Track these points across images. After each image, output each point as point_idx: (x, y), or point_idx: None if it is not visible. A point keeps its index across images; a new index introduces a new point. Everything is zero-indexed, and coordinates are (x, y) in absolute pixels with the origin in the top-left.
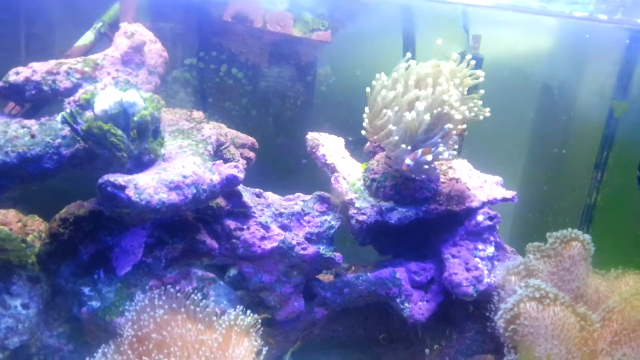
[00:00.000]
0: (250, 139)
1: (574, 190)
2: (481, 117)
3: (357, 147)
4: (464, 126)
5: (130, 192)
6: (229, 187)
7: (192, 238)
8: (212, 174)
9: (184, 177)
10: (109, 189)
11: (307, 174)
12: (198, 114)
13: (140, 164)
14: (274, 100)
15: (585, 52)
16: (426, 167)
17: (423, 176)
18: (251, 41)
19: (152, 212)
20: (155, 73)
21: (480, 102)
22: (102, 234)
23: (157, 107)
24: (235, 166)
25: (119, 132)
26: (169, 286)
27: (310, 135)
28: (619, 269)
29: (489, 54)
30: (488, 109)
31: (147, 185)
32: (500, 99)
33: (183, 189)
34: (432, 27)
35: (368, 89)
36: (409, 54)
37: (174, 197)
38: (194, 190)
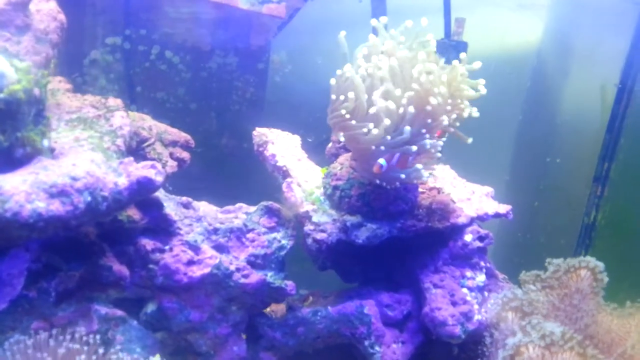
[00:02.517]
0: (183, 136)
1: (570, 206)
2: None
3: (319, 150)
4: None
5: None
6: (141, 194)
7: (94, 263)
8: (118, 175)
9: (74, 179)
10: None
11: (260, 181)
12: (115, 102)
13: (10, 160)
14: (217, 91)
15: (584, 39)
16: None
17: (397, 184)
18: (190, 18)
19: (23, 229)
20: (46, 41)
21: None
22: None
23: (38, 83)
24: (152, 166)
25: None
26: (59, 329)
27: (258, 131)
28: (636, 304)
29: (473, 43)
30: (476, 109)
31: (16, 190)
32: (483, 96)
33: (71, 195)
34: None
35: (339, 71)
36: (383, 19)
37: (57, 206)
38: (88, 198)
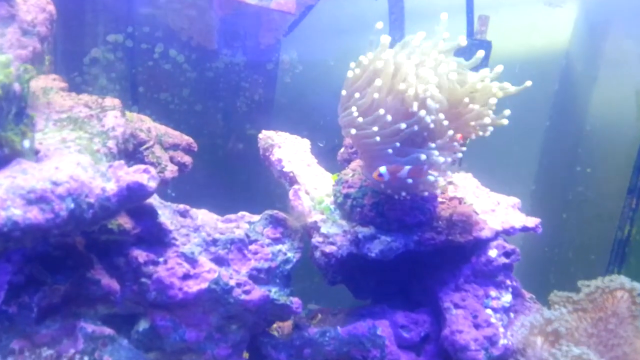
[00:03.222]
0: (185, 139)
1: (601, 219)
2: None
3: (330, 156)
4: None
5: None
6: (132, 200)
7: (81, 276)
8: (106, 180)
9: (55, 183)
10: None
11: (268, 187)
12: (112, 102)
13: None
14: (224, 92)
15: (617, 40)
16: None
17: (403, 193)
18: (195, 14)
19: None
20: (33, 34)
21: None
22: None
23: (20, 78)
24: (145, 170)
25: None
26: (43, 349)
27: (264, 134)
28: None
29: (497, 42)
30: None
31: None
32: (507, 100)
33: (52, 202)
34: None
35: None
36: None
37: (35, 214)
38: (72, 205)
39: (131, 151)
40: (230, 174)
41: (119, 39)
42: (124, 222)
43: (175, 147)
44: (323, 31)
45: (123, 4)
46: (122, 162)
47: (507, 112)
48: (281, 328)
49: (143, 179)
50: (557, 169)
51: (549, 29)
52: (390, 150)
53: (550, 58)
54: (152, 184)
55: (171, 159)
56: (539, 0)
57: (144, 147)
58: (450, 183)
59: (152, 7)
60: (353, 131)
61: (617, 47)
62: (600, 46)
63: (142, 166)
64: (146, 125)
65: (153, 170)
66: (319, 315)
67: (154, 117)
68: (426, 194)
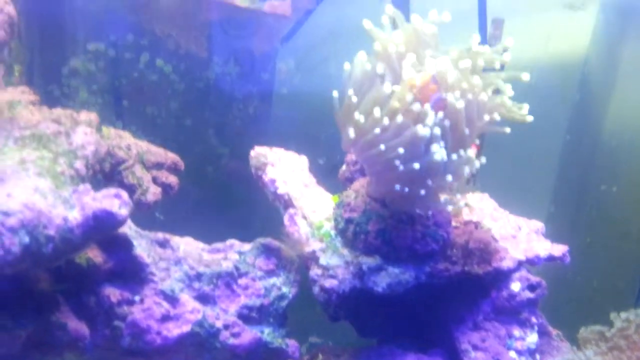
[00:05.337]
0: (170, 157)
1: (629, 243)
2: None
3: (331, 174)
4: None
5: None
6: (100, 231)
7: (45, 319)
8: (69, 208)
9: (5, 214)
10: None
11: (266, 210)
12: (88, 116)
13: None
14: (216, 105)
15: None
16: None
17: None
18: (183, 20)
19: None
20: None
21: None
22: None
23: None
24: (116, 195)
25: None
26: None
27: (256, 151)
28: None
29: (513, 49)
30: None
31: None
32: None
33: (2, 236)
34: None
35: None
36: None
37: None
38: (26, 239)
39: (108, 172)
40: (224, 195)
41: (101, 47)
42: (94, 255)
43: (159, 166)
44: (322, 37)
45: (105, 10)
46: (89, 186)
47: (526, 106)
48: None
49: (113, 205)
50: (578, 188)
51: (569, 33)
52: (397, 162)
53: (569, 65)
54: (123, 212)
55: (154, 180)
56: (557, 4)
57: (123, 166)
58: (464, 205)
59: (137, 13)
60: (351, 132)
61: None
62: (622, 52)
63: (113, 190)
64: (125, 142)
65: (125, 195)
66: (320, 356)
67: (139, 132)
68: (444, 205)
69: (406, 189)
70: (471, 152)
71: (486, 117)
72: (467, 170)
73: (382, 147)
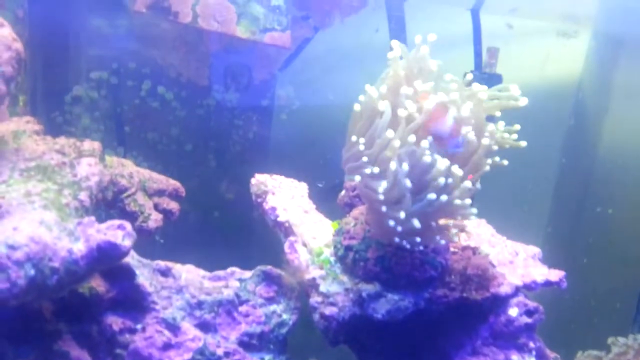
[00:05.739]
0: (172, 184)
1: (626, 264)
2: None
3: (330, 197)
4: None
5: None
6: (104, 262)
7: (47, 348)
8: (74, 240)
9: (12, 247)
10: None
11: (266, 236)
12: (91, 145)
13: None
14: (216, 131)
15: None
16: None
17: (418, 240)
18: (185, 49)
19: None
20: None
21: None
22: None
23: None
24: (120, 226)
25: None
26: None
27: (256, 179)
28: None
29: (508, 76)
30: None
31: None
32: (519, 134)
33: (8, 269)
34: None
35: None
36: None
37: None
38: (32, 272)
39: (110, 200)
40: (225, 220)
41: (104, 75)
42: (97, 284)
43: (160, 193)
44: (321, 64)
45: (108, 39)
46: (93, 218)
47: (517, 127)
48: None
49: (116, 237)
50: (574, 211)
51: (562, 59)
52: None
53: (563, 91)
54: (127, 243)
55: (156, 207)
56: (551, 32)
57: (125, 194)
58: (462, 230)
59: (139, 42)
60: (358, 178)
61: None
62: (615, 78)
63: (116, 222)
64: (128, 171)
65: (128, 226)
66: None
67: (141, 159)
68: (443, 242)
69: (405, 243)
70: (468, 183)
71: (494, 147)
72: (469, 201)
73: (384, 208)
